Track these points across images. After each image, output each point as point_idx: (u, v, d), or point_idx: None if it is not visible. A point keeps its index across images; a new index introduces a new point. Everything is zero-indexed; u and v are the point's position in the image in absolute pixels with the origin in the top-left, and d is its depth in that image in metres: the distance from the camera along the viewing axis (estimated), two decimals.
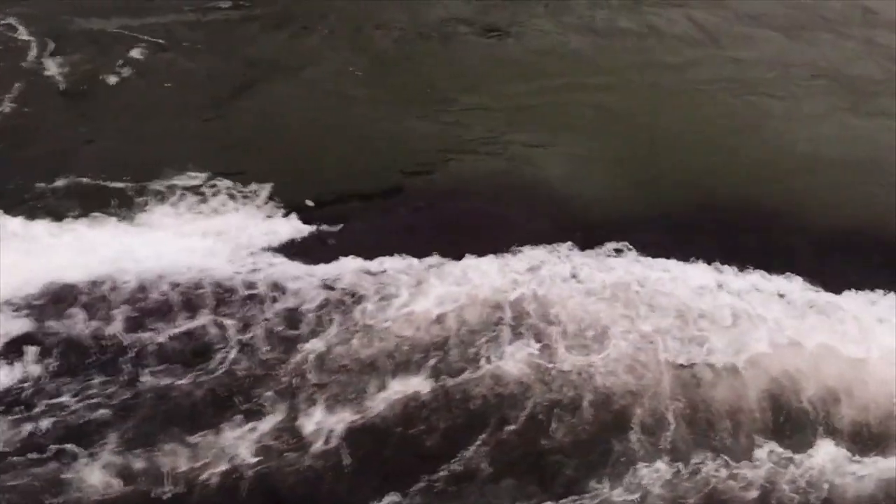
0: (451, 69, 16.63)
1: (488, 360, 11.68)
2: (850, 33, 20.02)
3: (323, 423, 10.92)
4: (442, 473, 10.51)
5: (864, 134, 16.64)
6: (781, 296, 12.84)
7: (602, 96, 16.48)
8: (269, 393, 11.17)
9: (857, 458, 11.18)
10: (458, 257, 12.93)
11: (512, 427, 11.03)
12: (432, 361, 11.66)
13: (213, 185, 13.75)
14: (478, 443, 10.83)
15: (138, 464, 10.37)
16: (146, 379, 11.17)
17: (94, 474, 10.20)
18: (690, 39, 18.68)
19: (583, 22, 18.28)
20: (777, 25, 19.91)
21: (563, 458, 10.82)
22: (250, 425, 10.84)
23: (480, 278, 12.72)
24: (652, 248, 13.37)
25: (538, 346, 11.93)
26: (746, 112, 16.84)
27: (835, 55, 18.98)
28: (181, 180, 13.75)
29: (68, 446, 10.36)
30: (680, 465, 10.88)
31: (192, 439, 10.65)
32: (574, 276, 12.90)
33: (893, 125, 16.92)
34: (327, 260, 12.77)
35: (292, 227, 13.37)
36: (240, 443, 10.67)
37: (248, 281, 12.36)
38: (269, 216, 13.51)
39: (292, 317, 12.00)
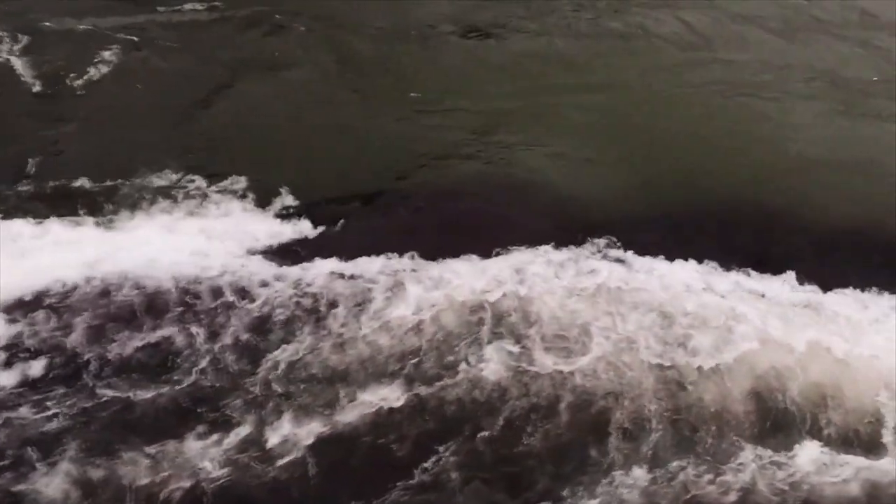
0: (429, 70, 16.57)
1: (468, 363, 11.52)
2: (846, 35, 19.90)
3: (291, 433, 10.72)
4: (411, 483, 10.32)
5: (859, 135, 16.56)
6: (764, 295, 12.73)
7: (589, 98, 16.39)
8: (237, 403, 10.97)
9: (841, 458, 10.97)
10: (440, 259, 12.83)
11: (487, 434, 10.84)
12: (407, 368, 11.48)
13: (187, 187, 13.67)
14: (450, 451, 10.64)
15: (98, 474, 10.17)
16: (109, 387, 10.99)
17: (53, 485, 10.02)
18: (680, 41, 18.52)
19: (567, 23, 18.19)
20: (770, 27, 19.77)
21: (538, 464, 10.62)
22: (216, 437, 10.64)
23: (460, 280, 12.56)
24: (639, 247, 13.29)
25: (517, 348, 11.77)
26: (739, 113, 16.76)
27: (830, 57, 18.89)
28: (155, 181, 13.67)
29: (27, 456, 10.20)
30: (659, 470, 10.66)
31: (155, 450, 10.45)
32: (557, 277, 12.76)
33: (888, 126, 16.83)
34: (303, 263, 12.66)
35: (268, 229, 13.26)
36: (204, 454, 10.47)
37: (218, 285, 12.20)
38: (243, 218, 13.38)
39: (263, 323, 11.82)
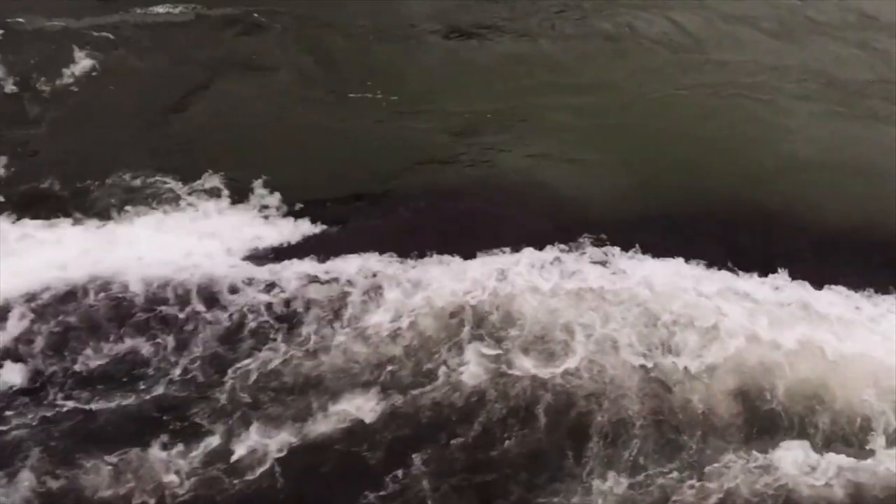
0: (410, 71, 16.41)
1: (447, 367, 11.40)
2: (842, 36, 19.81)
3: (260, 444, 10.55)
4: (381, 493, 10.16)
5: (854, 136, 16.50)
6: (753, 295, 12.67)
7: (577, 100, 16.25)
8: (204, 413, 10.80)
9: (826, 460, 10.87)
10: (421, 261, 12.76)
11: (462, 441, 10.71)
12: (384, 375, 11.34)
13: (161, 188, 13.48)
14: (423, 460, 10.49)
15: (60, 485, 10.04)
16: (72, 398, 10.80)
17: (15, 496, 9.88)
18: (670, 42, 18.42)
19: (550, 24, 18.13)
20: (764, 27, 19.66)
21: (513, 472, 10.49)
22: (182, 448, 10.48)
23: (440, 283, 12.44)
24: (629, 247, 13.25)
25: (497, 351, 11.65)
26: (732, 114, 16.67)
27: (825, 58, 18.77)
28: (129, 183, 13.50)
29: None
30: (638, 476, 10.51)
31: (118, 461, 10.28)
32: (541, 278, 12.67)
33: (884, 128, 16.82)
34: (279, 265, 12.50)
35: (243, 231, 13.07)
36: (170, 465, 10.30)
37: (189, 288, 12.04)
38: (218, 220, 13.21)
39: (235, 329, 11.66)
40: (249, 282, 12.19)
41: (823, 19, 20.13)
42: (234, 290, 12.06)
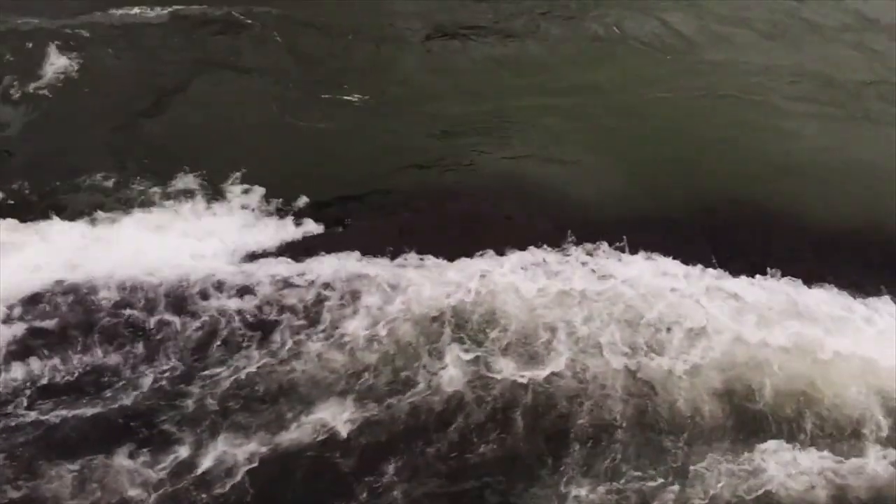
0: (390, 72, 16.35)
1: (426, 371, 11.20)
2: (839, 37, 19.76)
3: (228, 454, 10.32)
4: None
5: (850, 137, 16.46)
6: (740, 295, 12.53)
7: (560, 101, 16.20)
8: (173, 423, 10.55)
9: (812, 463, 10.70)
10: (402, 263, 12.60)
11: (436, 448, 10.47)
12: (360, 382, 11.12)
13: (134, 190, 13.35)
14: (397, 468, 10.27)
15: (20, 494, 9.80)
16: (34, 407, 10.55)
17: None
18: (662, 43, 18.33)
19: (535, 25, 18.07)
20: (759, 29, 19.60)
21: (491, 479, 10.26)
22: (149, 458, 10.23)
23: (421, 286, 12.25)
24: (614, 248, 13.12)
25: (478, 355, 11.44)
26: (726, 116, 16.66)
27: (821, 58, 18.75)
28: (101, 184, 13.37)
29: None
30: (617, 483, 10.27)
31: (82, 471, 10.04)
32: (524, 280, 12.50)
33: (879, 128, 16.76)
34: (255, 266, 12.31)
35: (215, 233, 12.85)
36: (135, 476, 10.07)
37: (159, 294, 11.82)
38: (192, 222, 13.03)
39: (208, 335, 11.44)
40: (221, 286, 11.97)
41: (819, 20, 20.12)
42: (205, 295, 11.84)
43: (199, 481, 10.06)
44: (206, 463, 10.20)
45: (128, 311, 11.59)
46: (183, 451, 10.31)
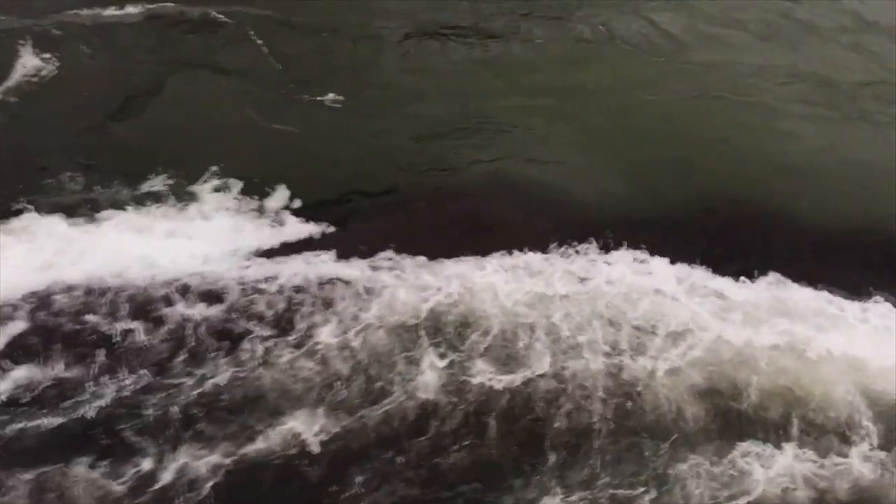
0: (370, 73, 16.18)
1: (402, 377, 10.98)
2: (835, 38, 19.67)
3: (190, 467, 10.03)
4: None
5: (844, 138, 16.36)
6: (727, 295, 12.49)
7: (544, 102, 16.08)
8: (136, 434, 10.26)
9: (800, 465, 10.55)
10: (377, 266, 12.40)
11: (406, 458, 10.23)
12: (332, 391, 10.87)
13: (106, 191, 13.14)
14: (366, 479, 10.03)
15: None
16: None
17: None
18: (650, 44, 18.19)
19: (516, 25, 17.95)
20: (752, 30, 19.46)
21: (466, 487, 10.02)
22: (110, 469, 9.95)
23: (399, 289, 12.05)
24: (600, 248, 13.06)
25: (455, 359, 11.24)
26: (720, 117, 16.56)
27: (817, 59, 18.68)
28: (71, 186, 13.16)
29: None
30: (592, 492, 10.03)
31: (38, 481, 9.74)
32: (505, 282, 12.33)
33: (875, 129, 16.72)
34: (226, 269, 12.06)
35: (190, 236, 12.63)
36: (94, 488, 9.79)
37: (123, 298, 11.55)
38: (163, 223, 12.78)
39: (176, 342, 11.18)
40: (186, 290, 11.74)
41: (814, 21, 20.05)
42: (169, 301, 11.59)
43: (162, 495, 9.77)
44: (167, 477, 9.90)
45: (91, 317, 11.33)
46: (146, 464, 10.02)
